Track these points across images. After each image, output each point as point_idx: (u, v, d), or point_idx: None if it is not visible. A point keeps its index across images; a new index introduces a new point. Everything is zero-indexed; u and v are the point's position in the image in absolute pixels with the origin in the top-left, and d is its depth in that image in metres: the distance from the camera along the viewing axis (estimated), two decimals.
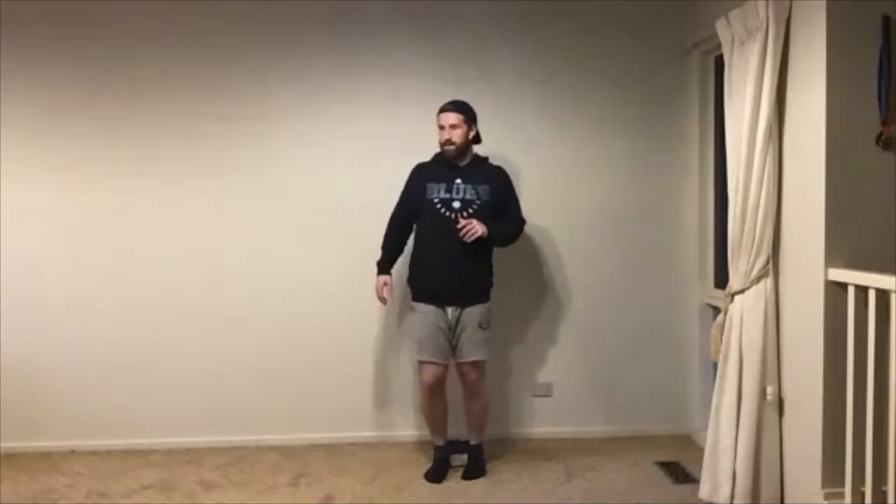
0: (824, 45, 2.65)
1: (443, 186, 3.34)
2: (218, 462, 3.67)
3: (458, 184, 3.34)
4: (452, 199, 3.32)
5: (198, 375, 3.87)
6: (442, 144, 3.36)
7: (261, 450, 3.82)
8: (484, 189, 3.35)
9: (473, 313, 3.35)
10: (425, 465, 3.54)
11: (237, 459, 3.71)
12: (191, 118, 3.82)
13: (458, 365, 3.40)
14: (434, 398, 3.41)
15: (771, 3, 2.82)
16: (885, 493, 2.47)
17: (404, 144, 3.81)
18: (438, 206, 3.32)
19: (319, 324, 3.91)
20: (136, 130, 3.81)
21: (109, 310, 3.82)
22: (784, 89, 2.89)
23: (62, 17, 3.74)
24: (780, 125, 2.92)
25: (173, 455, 3.77)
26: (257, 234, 3.89)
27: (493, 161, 3.51)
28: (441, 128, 3.36)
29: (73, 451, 3.79)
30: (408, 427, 3.91)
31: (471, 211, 3.30)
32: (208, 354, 3.87)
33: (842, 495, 2.64)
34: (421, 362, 3.38)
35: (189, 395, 3.87)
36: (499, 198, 3.39)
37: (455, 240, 3.25)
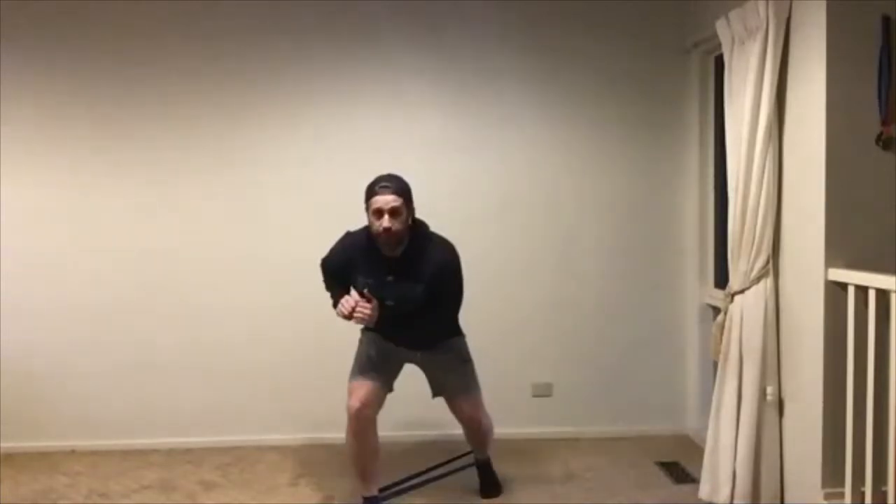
0: (824, 45, 2.65)
1: (371, 281, 2.82)
2: (218, 462, 3.67)
3: (389, 281, 2.81)
4: (384, 297, 2.81)
5: (198, 375, 3.87)
6: (377, 234, 2.75)
7: (261, 450, 3.82)
8: (420, 288, 2.78)
9: (446, 347, 2.99)
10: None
11: (237, 459, 3.71)
12: (191, 119, 3.82)
13: (450, 402, 3.08)
14: (360, 430, 2.89)
15: (771, 3, 2.82)
16: (884, 493, 2.47)
17: (404, 144, 3.81)
18: (367, 292, 2.81)
19: (319, 324, 3.87)
20: (136, 131, 3.81)
21: (109, 310, 3.83)
22: (784, 89, 2.89)
23: (63, 17, 3.74)
24: (780, 125, 2.92)
25: (173, 455, 3.77)
26: (257, 234, 3.88)
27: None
28: (377, 213, 2.73)
29: (73, 451, 3.79)
30: (407, 428, 3.90)
31: (401, 309, 2.81)
32: (208, 354, 3.87)
33: (842, 495, 2.64)
34: (351, 383, 2.94)
35: (189, 395, 3.87)
36: (435, 294, 2.81)
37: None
